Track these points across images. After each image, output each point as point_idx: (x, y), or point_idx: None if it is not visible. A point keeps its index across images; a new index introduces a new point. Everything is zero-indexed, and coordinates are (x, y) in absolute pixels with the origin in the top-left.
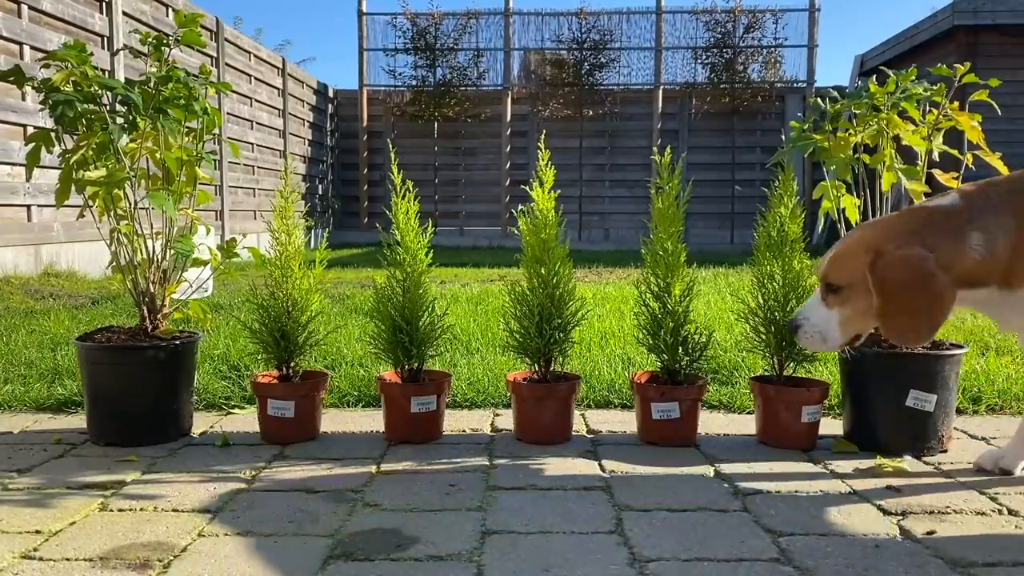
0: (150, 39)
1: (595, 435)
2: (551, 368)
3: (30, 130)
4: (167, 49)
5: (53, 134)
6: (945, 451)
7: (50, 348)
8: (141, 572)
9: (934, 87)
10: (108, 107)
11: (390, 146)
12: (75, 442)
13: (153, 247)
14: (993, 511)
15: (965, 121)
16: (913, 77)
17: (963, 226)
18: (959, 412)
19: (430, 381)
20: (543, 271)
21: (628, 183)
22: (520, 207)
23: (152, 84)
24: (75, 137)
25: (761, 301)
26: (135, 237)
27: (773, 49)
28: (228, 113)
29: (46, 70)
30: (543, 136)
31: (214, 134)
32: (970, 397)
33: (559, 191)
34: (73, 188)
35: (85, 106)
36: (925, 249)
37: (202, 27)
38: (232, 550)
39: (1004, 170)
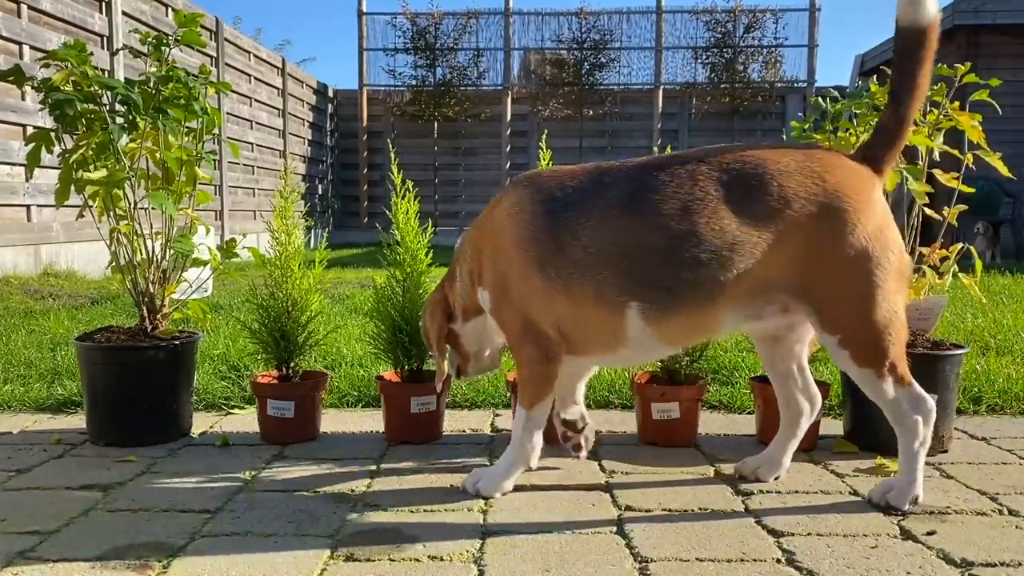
0: (150, 39)
1: (595, 435)
2: None
3: (30, 130)
4: (167, 49)
5: (53, 134)
6: (945, 451)
7: (50, 348)
8: (141, 572)
9: (935, 87)
10: (108, 107)
11: (390, 146)
12: (75, 442)
13: (153, 247)
14: (993, 511)
15: (966, 121)
16: None
17: (456, 262)
18: (959, 412)
19: (430, 381)
20: None
21: None
22: None
23: (152, 84)
24: (75, 137)
25: None
26: (135, 237)
27: (773, 49)
28: (228, 113)
29: (46, 70)
30: (544, 136)
31: (214, 134)
32: (970, 397)
33: None
34: (73, 188)
35: (85, 106)
36: (441, 294)
37: (202, 27)
38: (232, 550)
39: (1004, 170)
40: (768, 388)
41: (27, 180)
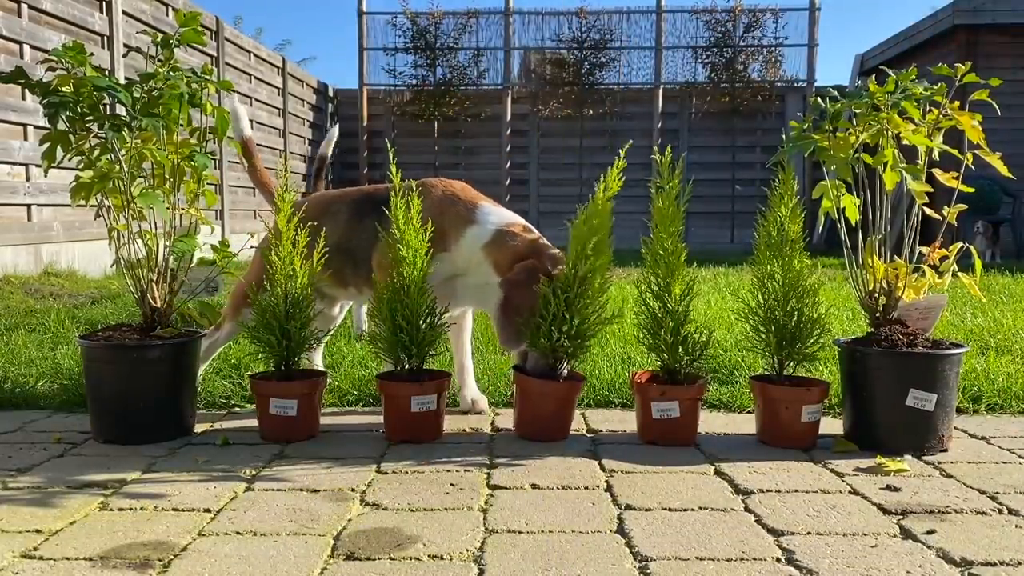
0: (159, 39)
1: (595, 434)
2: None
3: (30, 129)
4: (174, 48)
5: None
6: (945, 450)
7: (50, 347)
8: (141, 572)
9: (934, 86)
10: (108, 107)
11: (388, 146)
12: (75, 441)
13: (157, 246)
14: (993, 511)
15: (966, 121)
16: (913, 76)
17: None
18: (959, 411)
19: (430, 381)
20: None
21: (628, 182)
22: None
23: (152, 83)
24: (75, 137)
25: (761, 300)
26: (138, 236)
27: (773, 48)
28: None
29: (49, 73)
30: (538, 136)
31: (227, 137)
32: (970, 396)
33: (559, 190)
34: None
35: (82, 107)
36: None
37: (202, 26)
38: (232, 550)
39: (1003, 169)
40: (768, 387)
41: (45, 176)
